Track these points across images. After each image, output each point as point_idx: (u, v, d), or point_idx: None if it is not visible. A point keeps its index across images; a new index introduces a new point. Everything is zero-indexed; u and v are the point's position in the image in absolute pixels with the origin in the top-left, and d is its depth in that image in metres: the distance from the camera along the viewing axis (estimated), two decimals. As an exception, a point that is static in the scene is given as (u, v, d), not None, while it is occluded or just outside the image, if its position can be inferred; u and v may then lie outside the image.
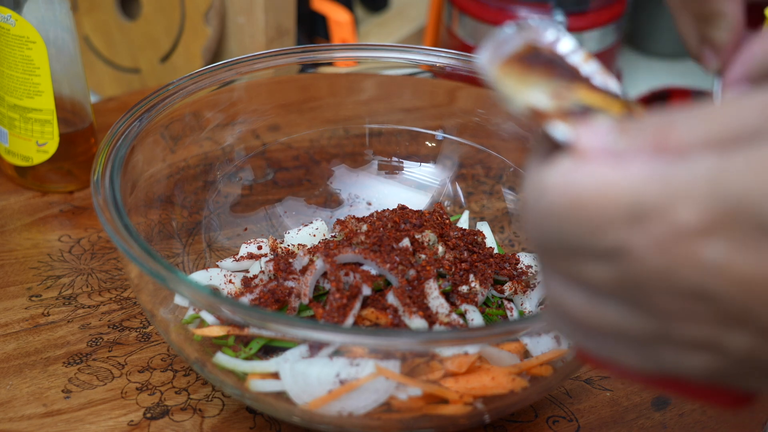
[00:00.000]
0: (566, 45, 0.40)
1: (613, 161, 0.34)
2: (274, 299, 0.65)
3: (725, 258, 0.32)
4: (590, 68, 0.40)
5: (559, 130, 0.36)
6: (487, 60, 0.39)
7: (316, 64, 0.80)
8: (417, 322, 0.63)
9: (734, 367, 0.35)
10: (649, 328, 0.35)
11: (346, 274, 0.65)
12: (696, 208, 0.32)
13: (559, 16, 0.99)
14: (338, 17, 1.06)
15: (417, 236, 0.70)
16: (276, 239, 0.75)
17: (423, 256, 0.69)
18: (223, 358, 0.62)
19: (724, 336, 0.34)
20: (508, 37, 0.39)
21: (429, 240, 0.70)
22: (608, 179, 0.34)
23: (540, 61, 0.39)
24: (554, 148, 0.37)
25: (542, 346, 0.63)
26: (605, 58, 1.06)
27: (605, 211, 0.33)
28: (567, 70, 0.39)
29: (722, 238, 0.32)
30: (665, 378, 0.37)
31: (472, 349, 0.60)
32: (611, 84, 0.39)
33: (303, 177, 0.85)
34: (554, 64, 0.39)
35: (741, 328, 0.33)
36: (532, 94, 0.38)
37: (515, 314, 0.69)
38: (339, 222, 0.74)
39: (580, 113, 0.37)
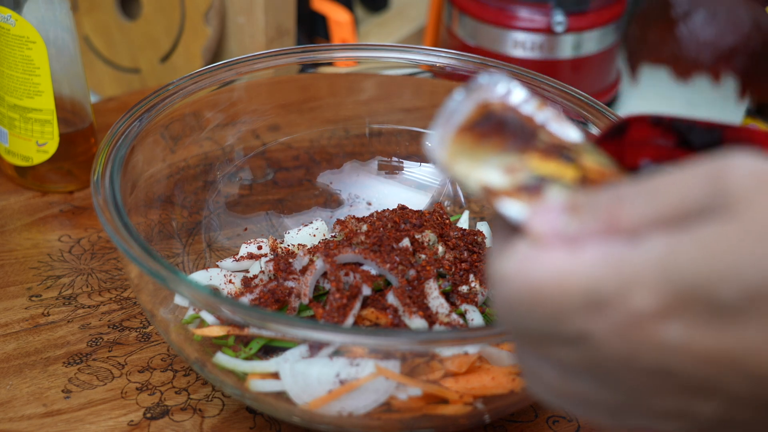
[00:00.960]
0: (518, 96, 0.40)
1: (567, 247, 0.34)
2: (274, 299, 0.65)
3: (684, 338, 0.33)
4: (544, 116, 0.40)
5: (513, 210, 0.37)
6: (436, 142, 0.39)
7: (316, 64, 0.80)
8: (417, 322, 0.63)
9: (705, 428, 0.36)
10: (620, 401, 0.36)
11: (346, 274, 0.65)
12: (650, 293, 0.33)
13: (559, 16, 0.99)
14: (338, 17, 1.06)
15: (417, 236, 0.70)
16: (276, 239, 0.75)
17: (423, 256, 0.69)
18: (223, 358, 0.62)
19: (692, 405, 0.35)
20: (458, 104, 0.39)
21: (429, 240, 0.70)
22: (563, 269, 0.34)
23: (492, 125, 0.39)
24: (513, 228, 0.37)
25: (542, 346, 0.63)
26: (605, 58, 1.06)
27: (563, 302, 0.34)
28: (520, 129, 0.39)
29: (679, 319, 0.33)
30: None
31: (472, 349, 0.60)
32: (568, 129, 0.39)
33: (303, 177, 0.85)
34: (506, 126, 0.39)
35: (708, 397, 0.34)
36: (484, 172, 0.38)
37: (515, 314, 0.69)
38: (339, 222, 0.74)
39: (534, 186, 0.37)
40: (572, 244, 0.34)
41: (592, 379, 0.36)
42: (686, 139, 0.40)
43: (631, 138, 0.40)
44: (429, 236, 0.70)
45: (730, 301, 0.32)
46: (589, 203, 0.35)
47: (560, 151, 0.39)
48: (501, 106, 0.40)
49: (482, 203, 0.84)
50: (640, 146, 0.40)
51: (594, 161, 0.38)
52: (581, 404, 0.37)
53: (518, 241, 0.36)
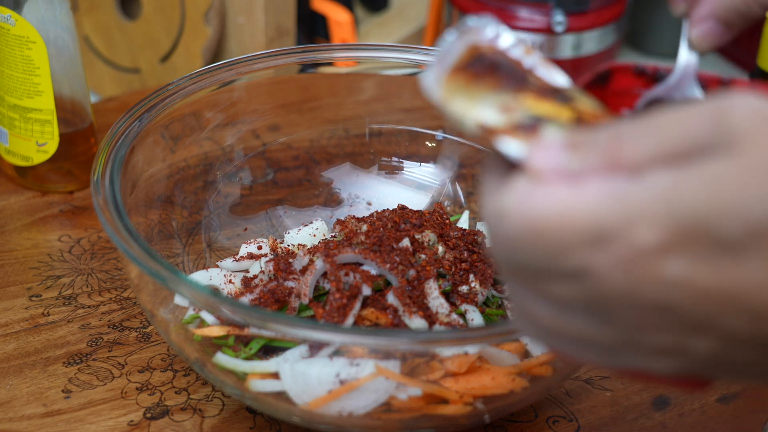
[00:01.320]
0: (506, 40, 0.40)
1: (569, 182, 0.34)
2: (274, 299, 0.65)
3: (686, 273, 0.33)
4: (532, 60, 0.40)
5: (511, 147, 0.36)
6: (431, 82, 0.39)
7: (316, 64, 0.80)
8: (417, 322, 0.63)
9: (699, 366, 0.36)
10: (616, 338, 0.36)
11: (346, 274, 0.65)
12: (653, 228, 0.33)
13: (559, 16, 0.99)
14: (338, 17, 1.06)
15: (417, 236, 0.70)
16: (276, 239, 0.75)
17: (423, 256, 0.69)
18: (223, 358, 0.62)
19: (688, 342, 0.35)
20: (450, 44, 0.40)
21: (429, 240, 0.70)
22: (565, 203, 0.34)
23: (484, 66, 0.39)
24: (509, 166, 0.37)
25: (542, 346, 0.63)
26: (605, 58, 1.06)
27: (565, 236, 0.34)
28: (512, 71, 0.39)
29: (681, 254, 0.33)
30: (631, 371, 0.38)
31: (472, 349, 0.60)
32: (555, 74, 0.40)
33: (303, 177, 0.85)
34: (499, 67, 0.39)
35: (705, 334, 0.34)
36: (480, 111, 0.38)
37: (515, 314, 0.69)
38: (339, 222, 0.74)
39: (530, 125, 0.37)
40: (574, 180, 0.34)
41: (588, 315, 0.35)
42: None
43: (615, 87, 0.40)
44: (429, 236, 0.70)
45: (732, 236, 0.32)
46: (590, 140, 0.35)
47: (555, 91, 0.39)
48: (490, 49, 0.40)
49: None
50: (623, 96, 0.40)
51: (587, 104, 0.38)
52: (574, 343, 0.37)
53: (518, 178, 0.36)
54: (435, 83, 0.39)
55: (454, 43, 0.40)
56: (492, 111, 0.38)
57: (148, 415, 0.65)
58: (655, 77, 0.40)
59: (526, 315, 0.38)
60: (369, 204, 0.83)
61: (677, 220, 0.32)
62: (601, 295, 0.34)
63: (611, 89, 0.40)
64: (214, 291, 0.66)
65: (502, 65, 0.39)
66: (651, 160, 0.34)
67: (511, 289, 0.38)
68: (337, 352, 0.59)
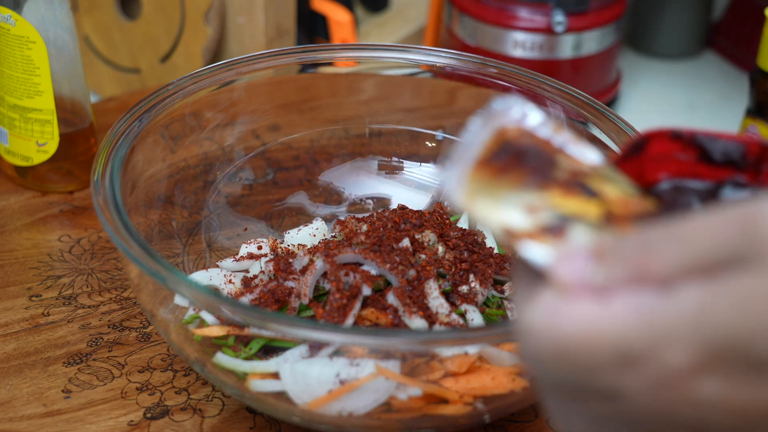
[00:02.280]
0: (534, 119, 0.39)
1: (595, 297, 0.33)
2: (274, 299, 0.65)
3: (720, 394, 0.32)
4: (561, 138, 0.39)
5: (537, 255, 0.35)
6: (454, 181, 0.37)
7: (316, 64, 0.80)
8: (417, 322, 0.63)
9: None
10: None
11: (346, 274, 0.65)
12: (684, 349, 0.32)
13: (559, 16, 0.99)
14: (338, 17, 1.06)
15: (417, 236, 0.70)
16: (276, 239, 0.75)
17: (423, 256, 0.69)
18: (223, 358, 0.62)
19: None
20: (474, 135, 0.38)
21: (429, 240, 0.70)
22: (592, 321, 0.33)
23: (509, 156, 0.38)
24: (535, 275, 0.36)
25: (542, 346, 0.63)
26: (605, 58, 1.06)
27: (593, 357, 0.33)
28: (538, 158, 0.38)
29: (714, 375, 0.32)
30: None
31: (472, 349, 0.60)
32: (586, 151, 0.38)
33: (303, 177, 0.85)
34: (525, 157, 0.38)
35: None
36: (505, 212, 0.37)
37: (515, 314, 0.69)
38: (339, 222, 0.74)
39: (557, 228, 0.36)
40: (600, 294, 0.33)
41: (624, 429, 0.35)
42: (707, 153, 0.39)
43: (651, 153, 0.39)
44: (429, 236, 0.70)
45: (766, 356, 0.31)
46: (617, 249, 0.34)
47: (582, 183, 0.37)
48: (517, 132, 0.38)
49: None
50: (660, 161, 0.38)
51: (617, 190, 0.37)
52: None
53: (543, 291, 0.35)
54: (458, 183, 0.37)
55: (478, 133, 0.38)
56: (517, 212, 0.36)
57: (148, 415, 0.65)
58: (692, 140, 0.39)
59: (563, 420, 0.37)
60: (369, 204, 0.83)
61: (708, 340, 0.31)
62: (635, 414, 0.33)
63: (648, 156, 0.39)
64: (214, 291, 0.66)
65: (529, 154, 0.38)
66: (680, 272, 0.32)
67: (546, 397, 0.37)
68: (337, 352, 0.59)
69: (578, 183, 0.37)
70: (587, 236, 0.35)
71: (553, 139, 0.38)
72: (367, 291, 0.64)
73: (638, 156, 0.39)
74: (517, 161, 0.38)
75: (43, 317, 0.73)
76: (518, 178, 0.37)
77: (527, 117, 0.39)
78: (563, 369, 0.34)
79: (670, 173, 0.39)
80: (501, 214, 0.37)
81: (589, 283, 0.34)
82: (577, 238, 0.35)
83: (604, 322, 0.33)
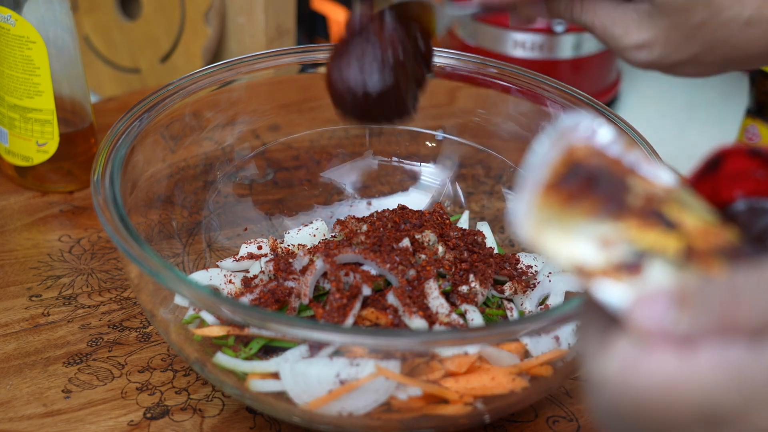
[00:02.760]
0: (604, 135, 0.36)
1: (677, 349, 0.30)
2: (274, 299, 0.65)
3: None
4: (633, 157, 0.36)
5: (612, 295, 0.32)
6: (522, 210, 0.34)
7: (316, 64, 0.80)
8: (417, 322, 0.63)
9: None
10: None
11: (346, 274, 0.65)
12: None
13: (559, 16, 0.99)
14: (338, 17, 1.06)
15: (417, 236, 0.70)
16: (276, 239, 0.75)
17: (423, 257, 0.69)
18: (223, 358, 0.62)
19: None
20: (542, 155, 0.36)
21: (429, 240, 0.70)
22: (675, 376, 0.30)
23: (580, 180, 0.35)
24: (609, 318, 0.33)
25: (542, 346, 0.63)
26: (605, 58, 1.06)
27: (675, 415, 0.30)
28: (611, 183, 0.35)
29: None
30: None
31: (472, 349, 0.60)
32: (659, 172, 0.36)
33: (303, 177, 0.85)
34: (596, 181, 0.35)
35: None
36: (576, 246, 0.34)
37: (515, 314, 0.69)
38: (339, 222, 0.74)
39: (633, 264, 0.33)
40: (683, 345, 0.30)
41: None
42: None
43: (727, 171, 0.37)
44: (429, 236, 0.70)
45: None
46: (701, 294, 0.31)
47: (658, 212, 0.34)
48: (587, 151, 0.36)
49: (483, 202, 0.84)
50: (736, 179, 0.36)
51: (695, 219, 0.34)
52: None
53: (619, 338, 0.32)
54: (525, 212, 0.34)
55: (545, 154, 0.36)
56: (590, 246, 0.34)
57: (148, 415, 0.65)
58: None
59: None
60: (369, 204, 0.83)
61: None
62: None
63: (724, 173, 0.37)
64: (214, 291, 0.66)
65: (600, 177, 0.35)
66: None
67: None
68: (337, 352, 0.59)
69: (655, 212, 0.34)
70: (667, 275, 0.33)
71: (625, 157, 0.36)
72: (367, 291, 0.64)
73: (713, 174, 0.37)
74: (588, 186, 0.35)
75: (43, 317, 0.73)
76: (590, 206, 0.35)
77: (596, 134, 0.37)
78: (639, 425, 0.31)
79: (747, 192, 0.36)
80: (572, 247, 0.34)
81: (671, 332, 0.31)
82: (655, 276, 0.33)
83: (688, 378, 0.30)
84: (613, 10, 0.55)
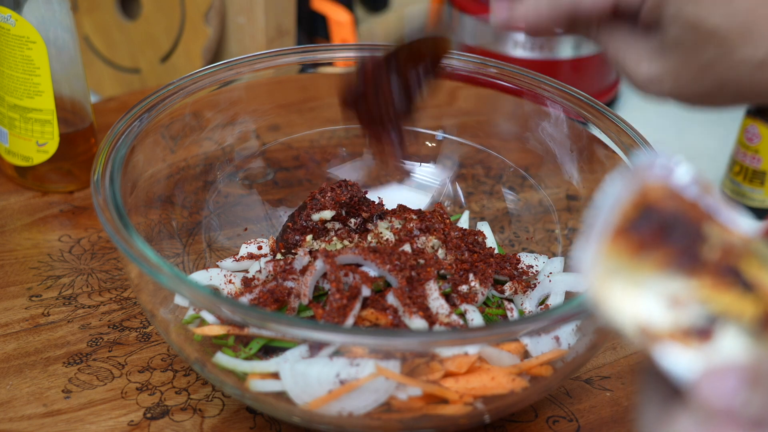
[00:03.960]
0: (682, 176, 0.34)
1: None
2: (274, 299, 0.65)
3: None
4: (711, 201, 0.33)
5: (679, 363, 0.30)
6: (589, 257, 0.32)
7: (316, 64, 0.80)
8: (417, 323, 0.63)
9: None
10: None
11: (346, 275, 0.65)
12: None
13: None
14: (338, 17, 1.06)
15: (419, 245, 0.70)
16: (276, 239, 0.75)
17: (422, 261, 0.69)
18: (223, 358, 0.62)
19: None
20: (614, 197, 0.33)
21: (432, 245, 0.70)
22: None
23: (652, 228, 0.32)
24: (671, 389, 0.31)
25: (542, 346, 0.63)
26: (605, 59, 1.06)
27: None
28: (686, 232, 0.32)
29: None
30: None
31: (472, 350, 0.60)
32: (738, 219, 0.33)
33: (303, 177, 0.85)
34: (670, 230, 0.32)
35: None
36: (643, 304, 0.31)
37: (515, 314, 0.69)
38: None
39: (704, 329, 0.31)
40: (751, 429, 0.28)
41: None
42: None
43: None
44: (432, 241, 0.70)
45: None
46: None
47: (735, 270, 0.32)
48: (662, 192, 0.33)
49: (483, 202, 0.84)
50: None
51: None
52: None
53: (681, 412, 0.30)
54: (592, 259, 0.32)
55: (618, 193, 0.33)
56: (658, 305, 0.31)
57: (148, 415, 0.65)
58: None
59: None
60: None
61: None
62: None
63: None
64: (214, 291, 0.66)
65: (675, 226, 0.33)
66: None
67: None
68: (337, 353, 0.59)
69: (731, 269, 0.32)
70: (740, 345, 0.30)
71: (702, 201, 0.33)
72: (366, 292, 0.64)
73: None
74: (661, 234, 0.32)
75: (43, 317, 0.73)
76: (662, 258, 0.32)
77: (674, 173, 0.34)
78: None
79: None
80: (639, 304, 0.31)
81: (740, 414, 0.29)
82: (728, 346, 0.30)
83: None
84: (627, 38, 0.55)
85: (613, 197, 0.33)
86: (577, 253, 0.32)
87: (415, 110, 0.66)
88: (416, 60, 0.63)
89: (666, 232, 0.32)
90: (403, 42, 0.62)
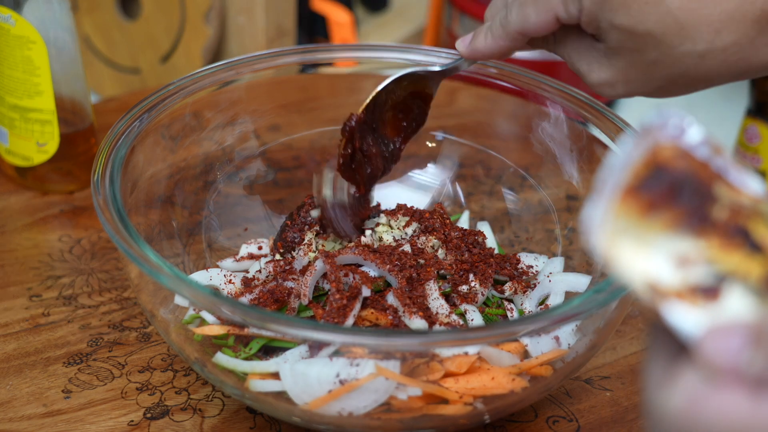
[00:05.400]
0: (693, 136, 0.34)
1: (748, 390, 0.29)
2: (274, 299, 0.65)
3: None
4: (721, 162, 0.34)
5: (685, 321, 0.30)
6: (598, 214, 0.32)
7: (317, 64, 0.80)
8: (417, 323, 0.63)
9: None
10: None
11: (346, 275, 0.65)
12: None
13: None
14: (338, 17, 1.06)
15: (419, 243, 0.70)
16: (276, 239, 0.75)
17: (422, 261, 0.69)
18: (223, 358, 0.62)
19: None
20: (625, 156, 0.33)
21: (432, 245, 0.70)
22: (743, 420, 0.28)
23: (662, 187, 0.32)
24: (678, 345, 0.31)
25: (542, 346, 0.63)
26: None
27: None
28: (695, 192, 0.33)
29: None
30: None
31: (472, 350, 0.60)
32: (747, 179, 0.33)
33: (303, 177, 0.85)
34: (680, 189, 0.33)
35: None
36: (652, 262, 0.31)
37: (515, 314, 0.69)
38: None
39: (712, 288, 0.31)
40: (756, 388, 0.29)
41: None
42: None
43: None
44: (432, 241, 0.70)
45: None
46: None
47: (744, 230, 0.32)
48: (673, 151, 0.33)
49: (482, 202, 0.84)
50: None
51: None
52: None
53: (687, 369, 0.30)
54: (601, 217, 0.32)
55: (629, 152, 0.33)
56: (666, 263, 0.31)
57: (148, 415, 0.65)
58: None
59: None
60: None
61: None
62: None
63: None
64: (214, 291, 0.66)
65: (685, 185, 0.33)
66: None
67: None
68: (337, 353, 0.59)
69: (740, 229, 0.32)
70: (746, 304, 0.31)
71: (713, 161, 0.33)
72: (366, 292, 0.64)
73: None
74: (671, 194, 0.33)
75: (43, 317, 0.73)
76: (672, 217, 0.32)
77: (685, 133, 0.34)
78: None
79: None
80: (647, 263, 0.31)
81: (744, 372, 0.29)
82: (734, 305, 0.31)
83: (756, 421, 0.28)
84: (579, 47, 0.57)
85: (624, 156, 0.33)
86: (587, 211, 0.33)
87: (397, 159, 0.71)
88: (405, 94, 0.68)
89: (676, 192, 0.33)
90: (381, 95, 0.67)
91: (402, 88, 0.67)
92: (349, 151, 0.68)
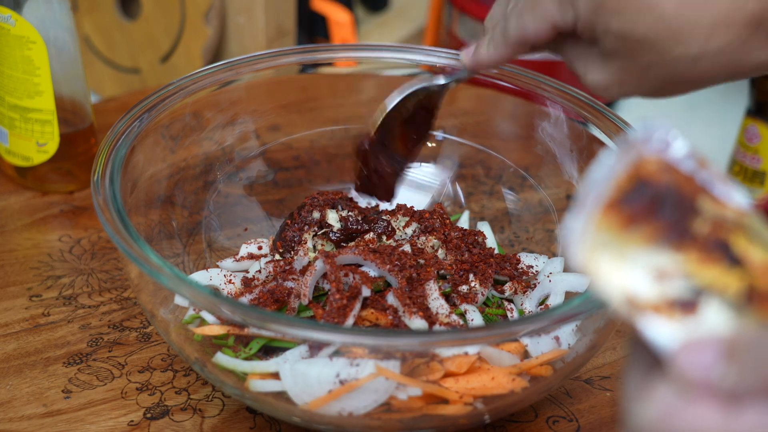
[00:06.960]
0: (678, 150, 0.34)
1: (721, 405, 0.29)
2: (274, 299, 0.65)
3: None
4: (706, 175, 0.33)
5: (659, 334, 0.30)
6: (578, 227, 0.32)
7: (317, 65, 0.80)
8: (417, 323, 0.63)
9: None
10: None
11: (346, 275, 0.65)
12: None
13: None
14: (338, 17, 1.06)
15: (419, 243, 0.70)
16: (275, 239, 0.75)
17: (422, 261, 0.69)
18: (223, 358, 0.62)
19: None
20: (609, 168, 0.33)
21: (432, 245, 0.70)
22: None
23: (644, 201, 0.32)
24: (653, 359, 0.31)
25: (542, 346, 0.63)
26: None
27: None
28: (677, 206, 0.33)
29: None
30: None
31: (472, 350, 0.60)
32: (732, 192, 0.33)
33: (303, 177, 0.85)
34: (661, 203, 0.33)
35: None
36: (630, 275, 0.31)
37: (515, 314, 0.69)
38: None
39: (689, 302, 0.31)
40: (728, 402, 0.29)
41: None
42: None
43: None
44: (432, 241, 0.70)
45: None
46: (754, 350, 0.29)
47: (723, 244, 0.32)
48: (657, 165, 0.33)
49: (482, 202, 0.84)
50: None
51: (763, 254, 0.32)
52: None
53: (660, 383, 0.30)
54: (581, 230, 0.32)
55: (613, 165, 0.33)
56: (645, 277, 0.31)
57: (148, 415, 0.65)
58: None
59: None
60: (369, 204, 0.83)
61: None
62: None
63: None
64: (214, 291, 0.66)
65: (667, 200, 0.33)
66: None
67: None
68: (337, 353, 0.59)
69: (720, 243, 0.32)
70: (723, 318, 0.31)
71: (698, 175, 0.33)
72: (366, 292, 0.64)
73: None
74: (652, 208, 0.33)
75: (43, 317, 0.73)
76: (652, 232, 0.32)
77: (670, 147, 0.34)
78: None
79: None
80: (625, 276, 0.32)
81: (716, 386, 0.29)
82: (710, 319, 0.31)
83: None
84: (577, 50, 0.58)
85: (606, 169, 0.33)
86: (568, 224, 0.33)
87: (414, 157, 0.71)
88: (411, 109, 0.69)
89: (658, 206, 0.33)
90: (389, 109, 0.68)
91: (410, 102, 0.68)
92: (365, 173, 0.69)
